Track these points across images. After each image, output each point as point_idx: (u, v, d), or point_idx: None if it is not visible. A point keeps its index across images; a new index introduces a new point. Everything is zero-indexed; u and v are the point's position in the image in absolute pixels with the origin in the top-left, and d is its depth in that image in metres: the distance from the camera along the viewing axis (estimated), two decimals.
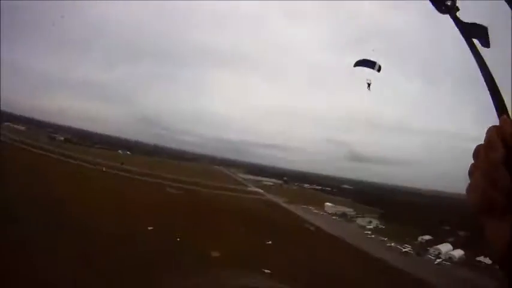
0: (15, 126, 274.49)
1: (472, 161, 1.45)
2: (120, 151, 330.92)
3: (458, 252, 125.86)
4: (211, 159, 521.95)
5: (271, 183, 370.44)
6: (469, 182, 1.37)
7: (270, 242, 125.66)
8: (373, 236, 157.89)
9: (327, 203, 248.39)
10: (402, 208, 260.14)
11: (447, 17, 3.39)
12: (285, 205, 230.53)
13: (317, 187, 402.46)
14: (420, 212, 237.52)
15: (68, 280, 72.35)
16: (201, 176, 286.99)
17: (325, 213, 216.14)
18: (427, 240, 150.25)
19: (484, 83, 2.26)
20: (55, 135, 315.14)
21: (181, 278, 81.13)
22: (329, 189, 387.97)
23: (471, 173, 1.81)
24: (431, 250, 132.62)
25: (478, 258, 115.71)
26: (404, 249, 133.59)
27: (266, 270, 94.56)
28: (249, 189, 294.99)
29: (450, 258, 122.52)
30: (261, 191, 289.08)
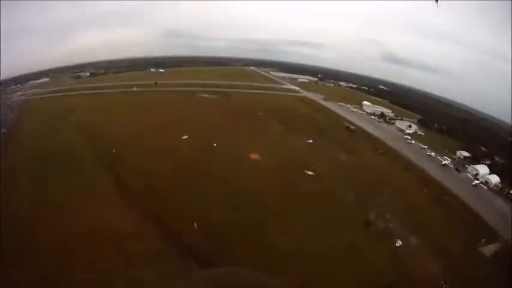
0: (39, 80, 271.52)
1: None
2: (152, 69, 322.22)
3: (495, 178, 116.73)
4: (243, 62, 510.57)
5: (306, 81, 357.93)
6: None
7: (310, 141, 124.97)
8: (413, 141, 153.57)
9: (365, 102, 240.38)
10: (439, 117, 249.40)
11: None
12: (322, 102, 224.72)
13: (353, 85, 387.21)
14: (458, 126, 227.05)
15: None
16: (234, 78, 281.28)
17: (363, 112, 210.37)
18: (465, 157, 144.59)
19: None
20: (80, 73, 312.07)
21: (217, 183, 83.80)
22: (365, 88, 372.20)
23: None
24: (469, 168, 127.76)
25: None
26: (444, 162, 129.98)
27: (309, 172, 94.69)
28: (284, 86, 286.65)
29: (486, 182, 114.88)
30: (296, 88, 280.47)
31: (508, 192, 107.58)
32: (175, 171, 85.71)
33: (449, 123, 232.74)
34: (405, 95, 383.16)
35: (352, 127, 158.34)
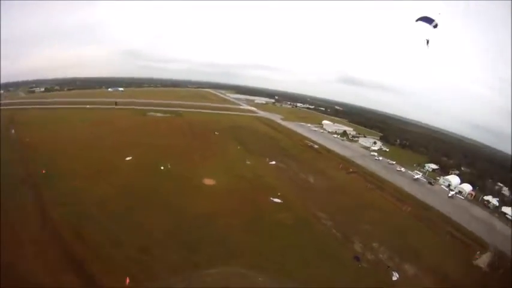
0: None
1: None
2: (110, 89, 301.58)
3: (468, 187, 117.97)
4: (200, 84, 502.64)
5: (263, 102, 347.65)
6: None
7: (273, 163, 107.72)
8: (380, 158, 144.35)
9: (325, 121, 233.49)
10: (399, 133, 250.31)
11: None
12: (282, 122, 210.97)
13: (310, 106, 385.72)
14: (419, 141, 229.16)
15: None
16: (190, 99, 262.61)
17: (325, 131, 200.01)
18: (433, 169, 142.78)
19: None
20: (35, 88, 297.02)
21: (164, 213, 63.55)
22: (323, 109, 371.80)
23: None
24: (441, 180, 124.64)
25: (486, 198, 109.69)
26: (416, 176, 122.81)
27: (276, 199, 75.37)
28: (241, 107, 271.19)
29: (460, 192, 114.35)
30: (254, 108, 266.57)
31: (483, 200, 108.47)
32: (109, 200, 62.95)
33: (409, 138, 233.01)
34: (361, 114, 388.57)
35: (315, 146, 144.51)
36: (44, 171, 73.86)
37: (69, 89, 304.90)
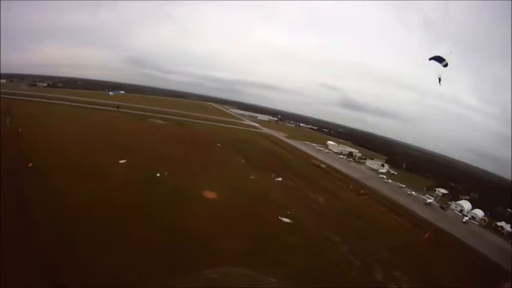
0: None
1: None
2: (110, 92, 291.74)
3: (480, 213, 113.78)
4: (203, 98, 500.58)
5: (266, 119, 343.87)
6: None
7: (280, 179, 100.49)
8: (390, 181, 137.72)
9: (330, 142, 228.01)
10: (404, 158, 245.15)
11: None
12: (286, 139, 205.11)
13: (314, 127, 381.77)
14: (425, 165, 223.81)
15: None
16: (192, 110, 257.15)
17: (330, 151, 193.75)
18: (443, 194, 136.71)
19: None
20: (38, 82, 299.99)
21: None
22: (326, 130, 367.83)
23: None
24: (452, 205, 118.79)
25: (499, 223, 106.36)
26: (428, 200, 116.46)
27: (285, 219, 66.89)
28: (244, 122, 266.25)
29: (473, 218, 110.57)
30: (257, 124, 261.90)
31: (496, 225, 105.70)
32: (90, 207, 52.80)
33: (415, 162, 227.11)
34: (364, 137, 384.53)
35: (322, 165, 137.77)
36: (30, 165, 67.35)
37: (71, 88, 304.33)
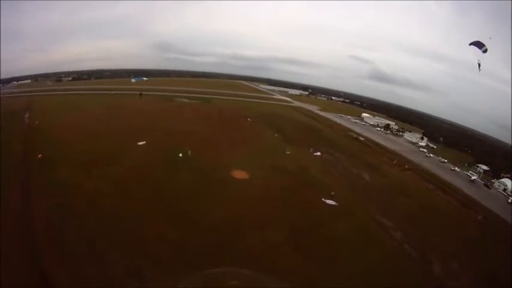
0: (21, 82, 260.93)
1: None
2: (133, 79, 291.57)
3: None
4: (231, 77, 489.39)
5: (297, 93, 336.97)
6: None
7: (318, 154, 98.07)
8: (431, 155, 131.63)
9: (365, 114, 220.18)
10: (440, 132, 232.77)
11: None
12: (319, 112, 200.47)
13: (346, 100, 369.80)
14: (462, 140, 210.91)
15: None
16: (220, 87, 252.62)
17: (366, 124, 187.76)
18: (485, 171, 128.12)
19: None
20: (63, 78, 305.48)
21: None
22: (358, 103, 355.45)
23: None
24: (496, 183, 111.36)
25: None
26: (473, 178, 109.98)
27: (329, 201, 61.66)
28: (275, 97, 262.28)
29: None
30: (288, 99, 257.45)
31: None
32: (101, 196, 52.06)
33: (452, 136, 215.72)
34: (397, 110, 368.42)
35: (361, 138, 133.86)
36: (40, 156, 67.65)
37: (96, 78, 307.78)
